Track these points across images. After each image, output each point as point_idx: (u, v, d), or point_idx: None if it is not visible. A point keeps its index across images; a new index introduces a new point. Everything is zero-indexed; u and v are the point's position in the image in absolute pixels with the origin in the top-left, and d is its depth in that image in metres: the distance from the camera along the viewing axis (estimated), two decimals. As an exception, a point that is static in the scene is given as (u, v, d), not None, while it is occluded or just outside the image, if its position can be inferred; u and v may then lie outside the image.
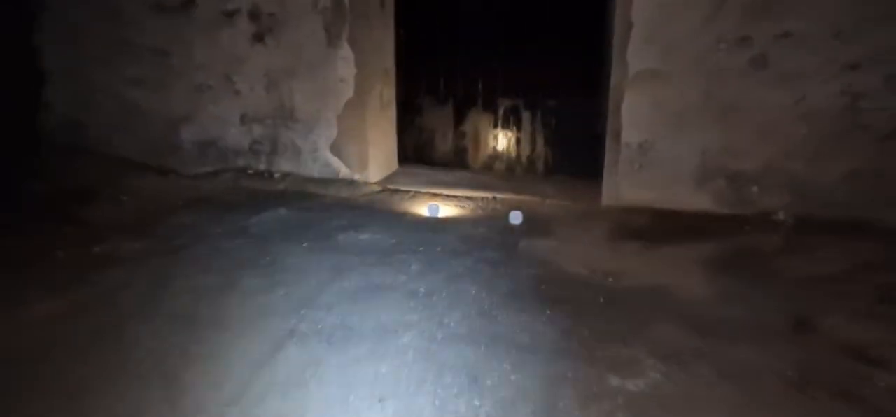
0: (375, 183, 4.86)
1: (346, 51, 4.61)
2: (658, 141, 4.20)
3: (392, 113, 5.06)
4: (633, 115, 4.19)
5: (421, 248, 3.71)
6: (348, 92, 4.70)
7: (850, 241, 3.77)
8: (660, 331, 2.80)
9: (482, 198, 4.56)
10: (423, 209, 4.31)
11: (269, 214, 4.25)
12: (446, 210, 4.32)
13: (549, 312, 2.99)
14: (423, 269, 3.43)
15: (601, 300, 3.10)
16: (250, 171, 5.08)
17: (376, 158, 4.88)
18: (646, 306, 3.03)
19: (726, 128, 4.07)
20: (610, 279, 3.34)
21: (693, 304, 3.05)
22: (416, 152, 5.26)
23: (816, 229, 3.97)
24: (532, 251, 3.69)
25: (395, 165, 5.21)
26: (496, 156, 5.05)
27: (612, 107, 4.27)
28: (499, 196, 4.58)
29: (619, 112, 4.22)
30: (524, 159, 4.99)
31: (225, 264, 3.47)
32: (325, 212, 4.31)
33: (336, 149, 4.85)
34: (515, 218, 4.09)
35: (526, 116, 4.87)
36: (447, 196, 4.60)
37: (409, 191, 4.69)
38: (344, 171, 4.89)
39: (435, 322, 2.91)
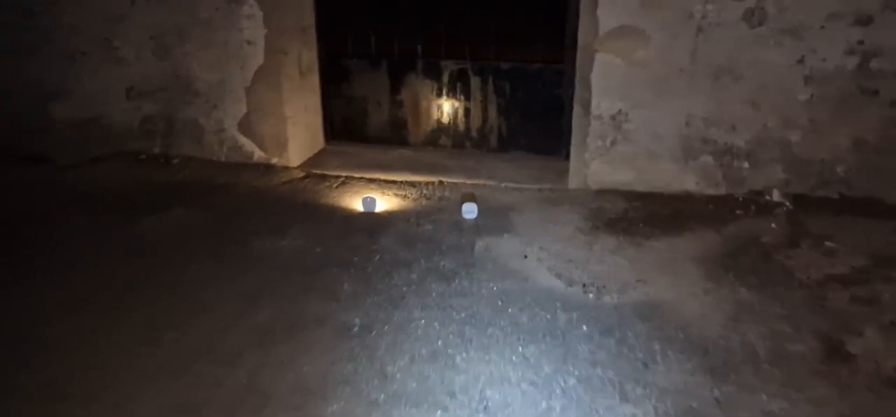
0: (297, 167, 4.04)
1: (251, 6, 3.73)
2: (635, 111, 3.55)
3: (314, 80, 4.23)
4: (606, 81, 3.52)
5: (355, 258, 2.97)
6: (257, 57, 3.83)
7: (861, 226, 3.25)
8: (665, 376, 2.18)
9: (427, 184, 3.83)
10: (356, 201, 3.55)
11: (164, 215, 3.40)
12: (384, 202, 3.57)
13: (521, 349, 2.33)
14: (358, 290, 2.71)
15: (584, 328, 2.45)
16: (143, 157, 4.17)
17: (297, 137, 4.05)
18: (642, 335, 2.41)
19: (715, 95, 3.45)
20: (592, 292, 2.70)
21: (700, 328, 2.44)
22: (345, 126, 4.45)
23: (817, 210, 3.44)
24: (492, 256, 3.01)
25: (320, 143, 4.40)
26: (441, 129, 4.31)
27: (580, 71, 3.58)
28: (446, 180, 3.86)
29: (588, 77, 3.54)
30: (474, 132, 4.27)
31: (100, 295, 2.66)
32: (234, 210, 3.49)
33: (246, 127, 4.00)
34: (469, 211, 3.39)
35: (475, 82, 4.14)
36: (384, 181, 3.85)
37: (338, 177, 3.91)
38: (258, 154, 4.05)
39: (375, 372, 2.21)
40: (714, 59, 3.39)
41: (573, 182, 3.75)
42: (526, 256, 3.01)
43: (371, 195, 3.53)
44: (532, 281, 2.80)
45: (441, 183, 3.84)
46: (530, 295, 2.67)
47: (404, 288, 2.72)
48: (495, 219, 3.39)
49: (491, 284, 2.76)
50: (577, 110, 3.65)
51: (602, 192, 3.70)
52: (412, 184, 3.82)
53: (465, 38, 4.15)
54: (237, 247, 3.07)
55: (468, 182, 3.83)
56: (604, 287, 2.75)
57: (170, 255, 2.99)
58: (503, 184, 3.82)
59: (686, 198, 3.63)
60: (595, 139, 3.63)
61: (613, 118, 3.57)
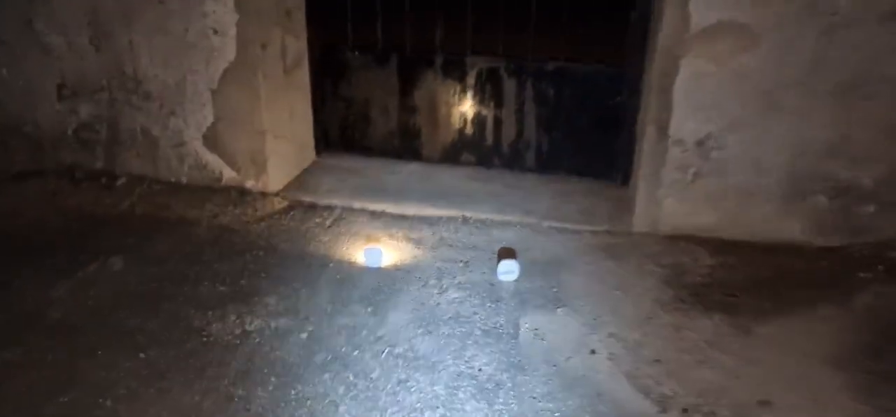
0: (279, 192, 3.17)
1: (217, -17, 2.82)
2: (730, 135, 2.68)
3: (303, 78, 3.33)
4: (693, 95, 2.64)
5: (354, 352, 2.13)
6: (228, 49, 2.93)
7: None
8: None
9: (447, 220, 2.96)
10: (354, 251, 2.69)
11: (92, 270, 2.53)
12: (393, 251, 2.71)
13: None
14: (361, 414, 1.87)
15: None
16: (79, 175, 3.27)
17: (279, 152, 3.17)
18: None
19: (841, 115, 2.58)
20: (697, 423, 1.87)
21: None
22: (342, 135, 3.57)
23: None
24: (545, 347, 2.17)
25: (310, 156, 3.51)
26: (463, 142, 3.43)
27: (658, 81, 2.70)
28: (471, 215, 3.00)
29: (669, 90, 2.66)
30: (506, 148, 3.41)
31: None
32: (190, 261, 2.62)
33: (213, 140, 3.11)
34: (507, 271, 2.54)
35: (509, 84, 3.25)
36: (392, 217, 2.98)
37: (331, 209, 3.04)
38: (228, 175, 3.16)
39: None
40: (841, 71, 2.52)
41: (639, 223, 2.89)
42: (593, 351, 2.17)
43: (375, 245, 2.66)
44: (608, 397, 1.96)
45: (464, 219, 2.98)
46: (608, 427, 1.84)
47: (426, 412, 1.88)
48: (542, 280, 2.53)
49: (550, 405, 1.92)
50: (649, 133, 2.78)
51: (677, 239, 2.85)
52: (428, 222, 2.95)
53: (498, 29, 3.24)
54: (185, 332, 2.20)
55: (499, 218, 2.97)
56: (713, 414, 1.91)
57: (81, 346, 2.12)
58: (546, 223, 2.96)
59: (789, 250, 2.78)
60: (673, 170, 2.77)
61: (700, 144, 2.70)
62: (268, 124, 3.06)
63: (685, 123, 2.69)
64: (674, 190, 2.80)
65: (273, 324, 2.25)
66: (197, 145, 3.13)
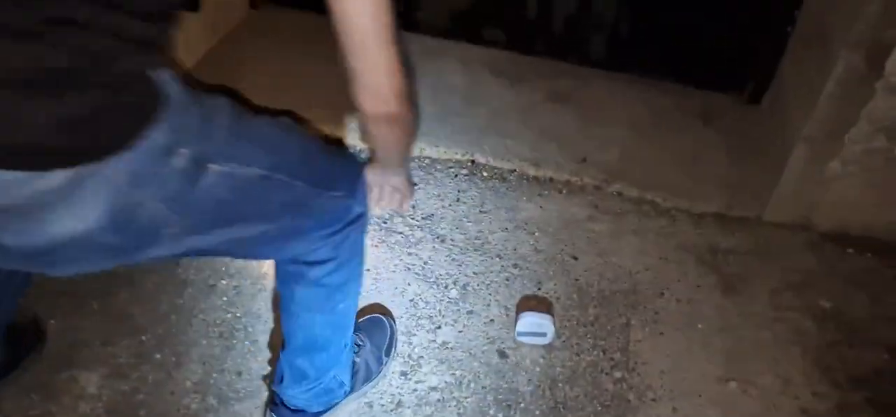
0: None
1: None
2: None
3: None
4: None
5: None
6: None
7: None
8: None
9: (447, 165, 1.76)
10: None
11: None
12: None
13: None
14: None
15: None
16: None
17: None
18: None
19: None
20: None
21: None
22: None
23: None
24: None
25: (242, 8, 2.22)
26: (487, 7, 2.07)
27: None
28: (484, 160, 1.78)
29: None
30: (558, 24, 2.04)
31: None
32: None
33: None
34: (533, 331, 1.40)
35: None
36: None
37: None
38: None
39: None
40: None
41: (778, 209, 1.65)
42: None
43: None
44: None
45: (473, 163, 1.78)
46: None
47: None
48: (608, 340, 1.41)
49: None
50: (841, 58, 1.44)
51: (841, 238, 1.63)
52: (420, 161, 1.75)
53: None
54: None
55: (534, 173, 1.75)
56: None
57: None
58: (614, 188, 1.74)
59: None
60: (870, 130, 1.47)
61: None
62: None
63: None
64: (864, 164, 1.53)
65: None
66: None
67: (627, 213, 1.68)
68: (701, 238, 1.63)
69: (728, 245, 1.62)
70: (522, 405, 1.32)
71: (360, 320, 1.37)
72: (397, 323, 1.44)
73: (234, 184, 0.82)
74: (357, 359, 1.29)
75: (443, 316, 1.46)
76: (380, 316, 1.42)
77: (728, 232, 1.65)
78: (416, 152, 1.79)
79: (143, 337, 1.38)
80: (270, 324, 1.43)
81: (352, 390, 1.28)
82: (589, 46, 2.08)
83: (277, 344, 1.37)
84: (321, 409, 1.24)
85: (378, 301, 1.48)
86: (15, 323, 1.26)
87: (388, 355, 1.36)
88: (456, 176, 1.75)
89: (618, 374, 1.38)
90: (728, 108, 1.98)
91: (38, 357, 1.33)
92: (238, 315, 1.43)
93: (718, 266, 1.58)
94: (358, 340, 1.31)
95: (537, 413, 1.32)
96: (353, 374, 1.28)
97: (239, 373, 1.35)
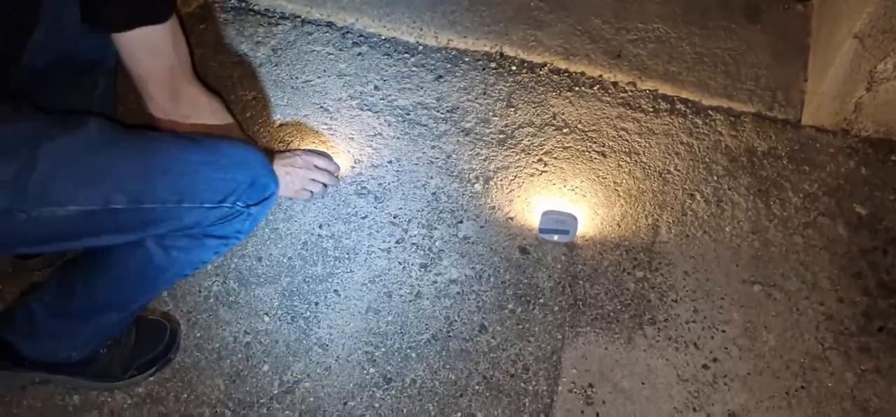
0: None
1: None
2: None
3: None
4: None
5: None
6: None
7: None
8: None
9: (479, 56, 1.73)
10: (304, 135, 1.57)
11: None
12: (338, 146, 1.57)
13: None
14: None
15: None
16: None
17: None
18: None
19: None
20: None
21: None
22: None
23: None
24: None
25: None
26: None
27: None
28: (510, 53, 1.74)
29: None
30: None
31: None
32: None
33: None
34: (556, 227, 1.41)
35: None
36: (377, 41, 1.76)
37: (272, 18, 1.81)
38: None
39: None
40: None
41: (820, 112, 1.60)
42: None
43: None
44: None
45: (501, 55, 1.73)
46: None
47: None
48: (633, 239, 1.41)
49: None
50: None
51: (883, 145, 1.58)
52: (423, 57, 1.72)
53: None
54: None
55: (565, 67, 1.71)
56: None
57: None
58: (648, 86, 1.68)
59: None
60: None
61: None
62: None
63: None
64: (913, 65, 1.46)
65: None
66: None
67: (661, 112, 1.64)
68: (737, 140, 1.60)
69: (765, 147, 1.58)
70: (541, 300, 1.35)
71: (149, 316, 1.30)
72: (419, 215, 1.46)
73: (52, 222, 0.89)
74: (103, 351, 1.23)
75: (465, 210, 1.47)
76: (165, 322, 1.30)
77: (766, 134, 1.61)
78: (443, 43, 1.75)
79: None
80: (290, 211, 1.45)
81: (85, 357, 1.21)
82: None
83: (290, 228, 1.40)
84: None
85: (399, 193, 1.49)
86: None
87: (140, 372, 1.25)
88: (484, 68, 1.72)
89: (640, 273, 1.39)
90: (775, 4, 1.89)
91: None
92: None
93: (753, 169, 1.54)
94: (126, 333, 1.25)
95: (556, 308, 1.34)
96: (97, 350, 1.22)
97: (260, 259, 1.39)
